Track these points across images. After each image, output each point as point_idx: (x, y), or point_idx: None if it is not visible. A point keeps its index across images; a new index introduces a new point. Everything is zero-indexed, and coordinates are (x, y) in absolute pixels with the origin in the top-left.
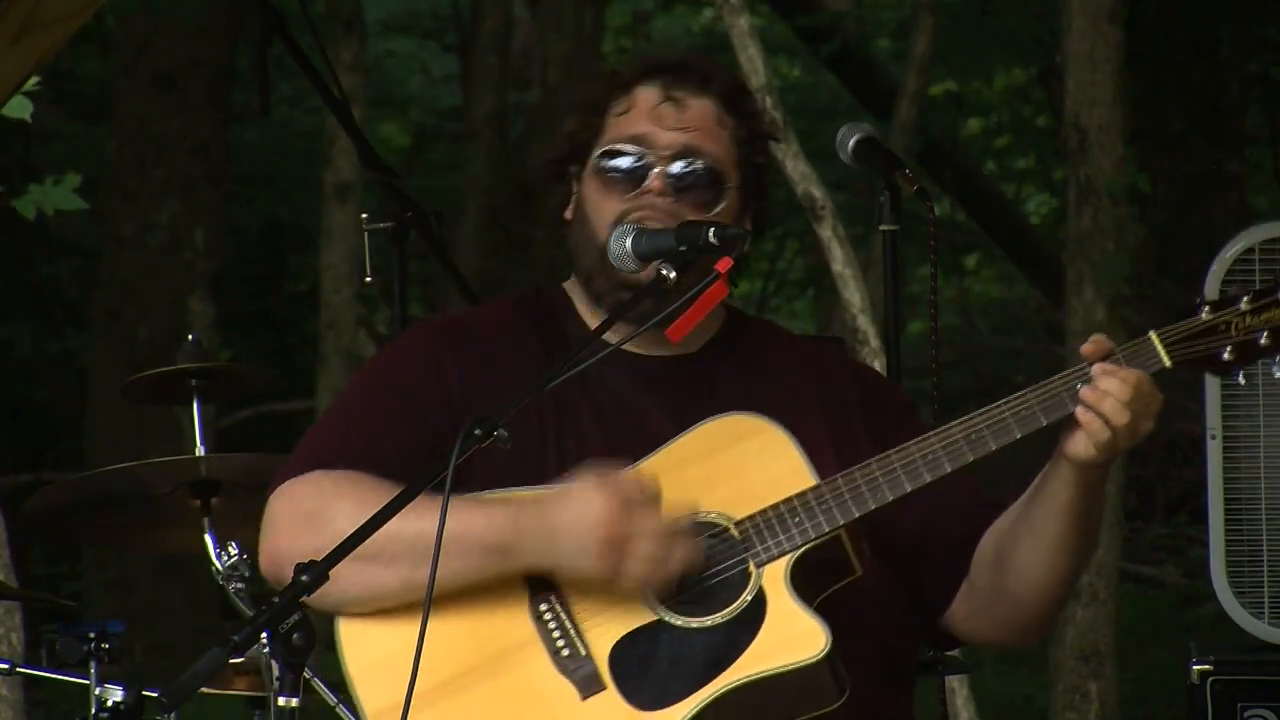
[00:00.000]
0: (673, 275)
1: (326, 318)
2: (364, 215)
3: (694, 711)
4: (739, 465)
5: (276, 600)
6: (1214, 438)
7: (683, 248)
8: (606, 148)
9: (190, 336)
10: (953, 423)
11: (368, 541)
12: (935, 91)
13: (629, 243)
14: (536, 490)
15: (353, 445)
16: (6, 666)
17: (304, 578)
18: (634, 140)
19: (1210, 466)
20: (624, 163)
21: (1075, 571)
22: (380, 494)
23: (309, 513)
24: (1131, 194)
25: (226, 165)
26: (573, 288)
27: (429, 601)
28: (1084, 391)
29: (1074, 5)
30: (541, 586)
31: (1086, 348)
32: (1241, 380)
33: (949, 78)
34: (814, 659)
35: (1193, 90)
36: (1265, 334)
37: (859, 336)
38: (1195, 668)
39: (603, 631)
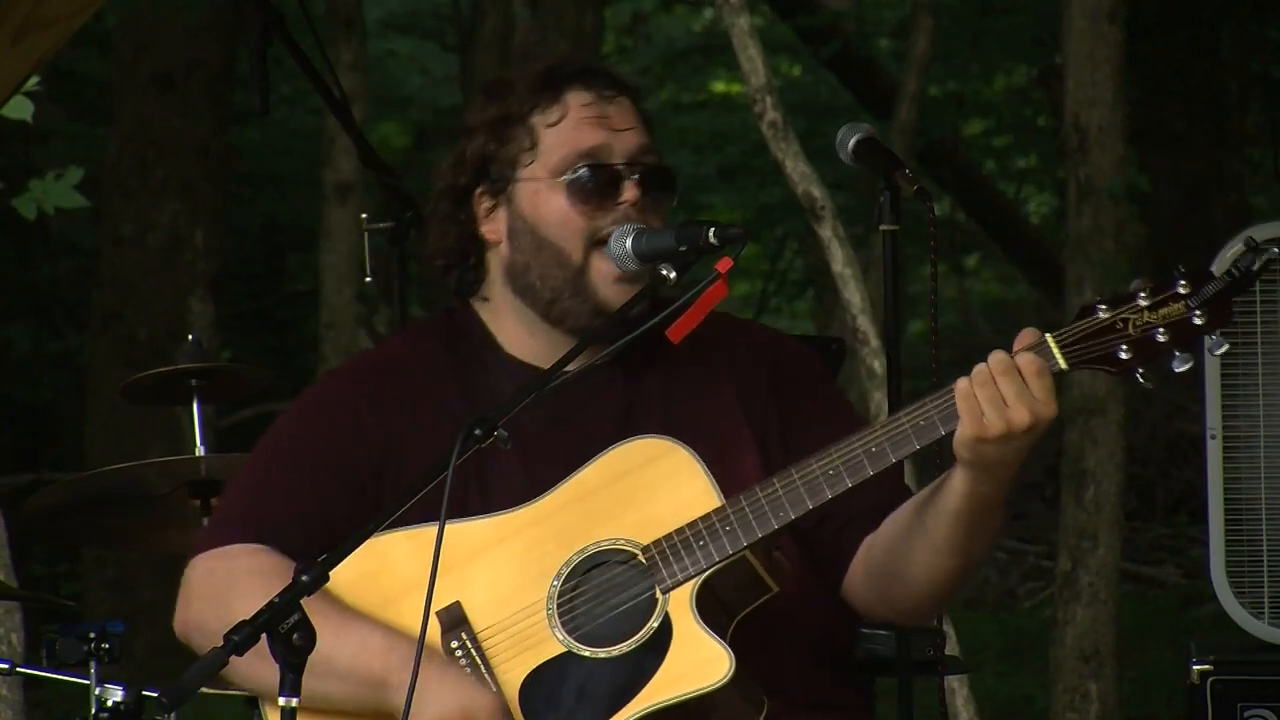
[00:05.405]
0: (673, 276)
1: (326, 318)
2: (364, 215)
3: None
4: (647, 490)
5: (277, 600)
6: (1214, 438)
7: (683, 248)
8: (575, 163)
9: (190, 336)
10: (853, 437)
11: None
12: (935, 91)
13: (629, 243)
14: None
15: (273, 508)
16: (6, 666)
17: (304, 578)
18: (596, 150)
19: (1210, 466)
20: (596, 176)
21: (958, 575)
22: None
23: (216, 591)
24: (1131, 194)
25: (226, 165)
26: (487, 307)
27: (429, 599)
28: (959, 382)
29: (1074, 5)
30: (452, 623)
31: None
32: (1143, 381)
33: (949, 78)
34: (717, 684)
35: (1193, 90)
36: (1162, 330)
37: (859, 336)
38: (1195, 668)
39: (512, 666)
